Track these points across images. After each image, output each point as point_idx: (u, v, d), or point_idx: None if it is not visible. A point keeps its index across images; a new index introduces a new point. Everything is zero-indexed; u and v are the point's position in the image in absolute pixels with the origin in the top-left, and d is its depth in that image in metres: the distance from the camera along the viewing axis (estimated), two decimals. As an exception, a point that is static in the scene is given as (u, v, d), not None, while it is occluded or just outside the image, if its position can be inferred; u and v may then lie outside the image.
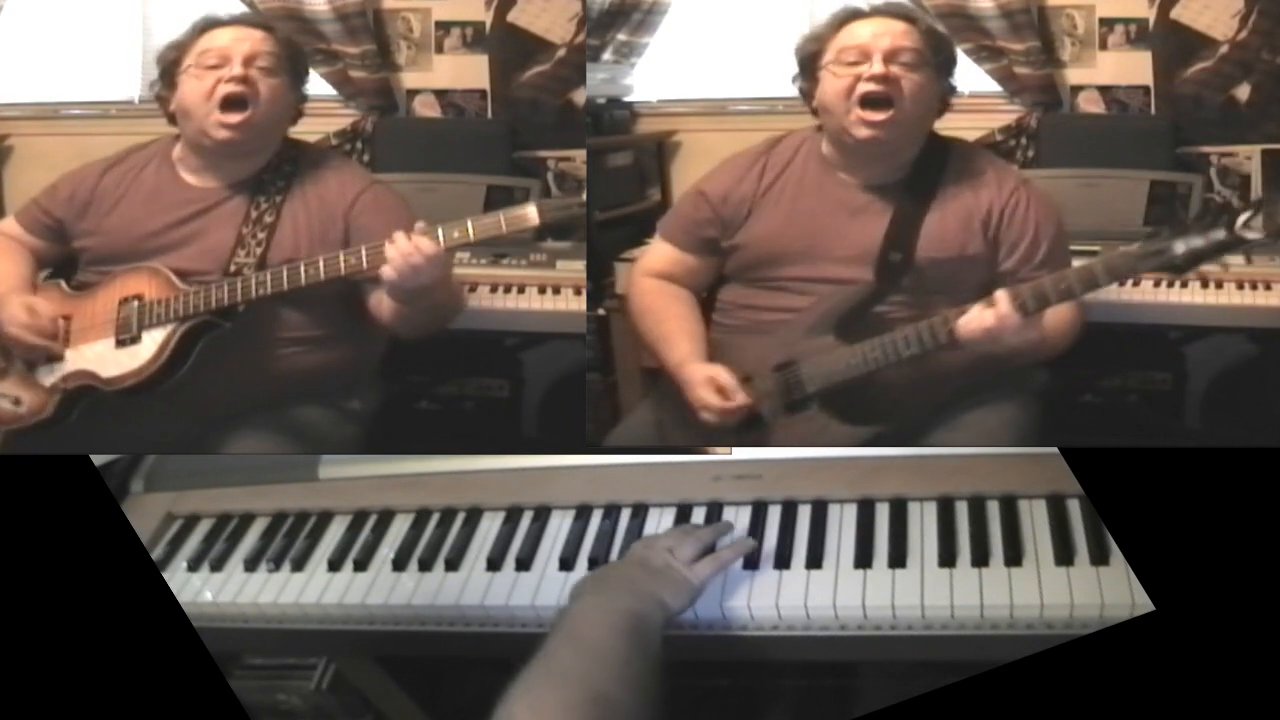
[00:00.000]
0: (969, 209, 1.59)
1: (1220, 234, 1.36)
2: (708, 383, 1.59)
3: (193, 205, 1.64)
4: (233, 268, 1.58)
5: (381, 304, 1.60)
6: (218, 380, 1.59)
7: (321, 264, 1.53)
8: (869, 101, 1.54)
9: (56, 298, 1.65)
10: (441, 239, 1.47)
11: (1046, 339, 1.52)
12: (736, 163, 1.69)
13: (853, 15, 1.59)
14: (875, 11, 1.59)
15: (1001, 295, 1.44)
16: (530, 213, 1.50)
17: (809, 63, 1.61)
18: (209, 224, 1.62)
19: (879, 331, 1.54)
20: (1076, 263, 1.63)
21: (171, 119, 1.66)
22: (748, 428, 1.59)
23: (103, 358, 1.58)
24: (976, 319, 1.44)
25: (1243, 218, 1.35)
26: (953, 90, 1.62)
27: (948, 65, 1.60)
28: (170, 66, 1.63)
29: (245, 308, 1.56)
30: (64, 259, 1.72)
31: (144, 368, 1.56)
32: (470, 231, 1.48)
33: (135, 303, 1.59)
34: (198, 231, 1.62)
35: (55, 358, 1.61)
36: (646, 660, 1.10)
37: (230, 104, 1.58)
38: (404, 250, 1.46)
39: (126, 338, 1.58)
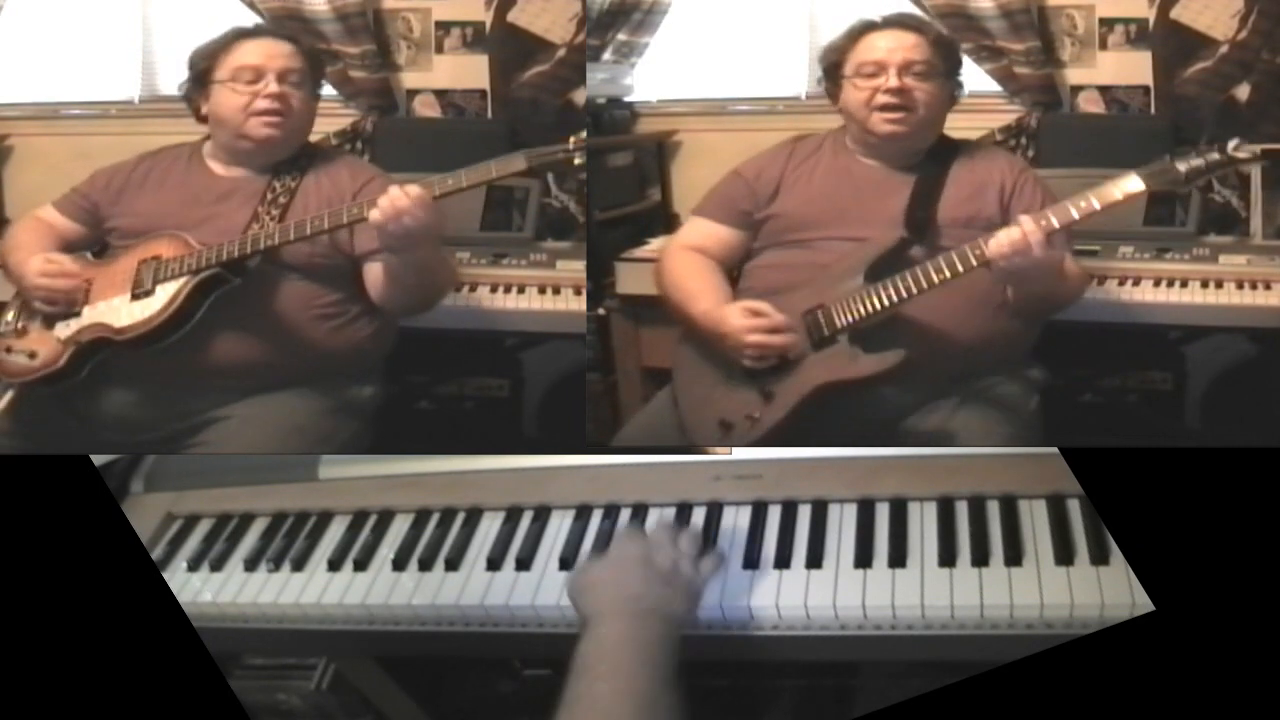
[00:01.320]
0: (982, 180, 1.71)
1: (1214, 155, 1.49)
2: (744, 311, 1.63)
3: (215, 190, 1.75)
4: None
5: (370, 273, 1.68)
6: (229, 341, 1.66)
7: (326, 216, 1.61)
8: (886, 108, 1.69)
9: (79, 262, 1.73)
10: (435, 188, 1.54)
11: (1067, 274, 1.63)
12: (767, 150, 1.83)
13: (868, 28, 1.74)
14: (888, 23, 1.74)
15: (1025, 215, 1.52)
16: (518, 159, 1.57)
17: (832, 71, 1.76)
18: (229, 206, 1.72)
19: None
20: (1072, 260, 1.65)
21: (201, 118, 1.76)
22: (778, 371, 1.62)
23: (117, 310, 1.66)
24: (1005, 234, 1.51)
25: (1233, 141, 1.49)
26: (960, 87, 1.76)
27: (955, 68, 1.75)
28: (203, 74, 1.73)
29: (255, 266, 1.65)
30: (94, 244, 1.80)
31: (154, 317, 1.63)
32: (463, 179, 1.56)
33: (153, 262, 1.67)
34: (218, 213, 1.72)
35: (73, 313, 1.68)
36: (672, 690, 1.10)
37: (267, 114, 1.70)
38: (393, 195, 1.52)
39: (141, 291, 1.66)
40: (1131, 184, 1.51)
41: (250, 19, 2.30)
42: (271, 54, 1.72)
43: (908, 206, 1.68)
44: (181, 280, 1.63)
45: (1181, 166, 1.50)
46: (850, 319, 1.61)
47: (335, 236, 1.67)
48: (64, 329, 1.68)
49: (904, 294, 1.58)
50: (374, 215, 1.53)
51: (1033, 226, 1.50)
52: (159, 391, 1.68)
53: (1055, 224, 1.50)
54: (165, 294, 1.64)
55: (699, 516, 1.47)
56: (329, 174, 1.75)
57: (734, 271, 1.78)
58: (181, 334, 1.63)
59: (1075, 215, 1.51)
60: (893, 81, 1.68)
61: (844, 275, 1.63)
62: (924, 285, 1.57)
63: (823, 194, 1.74)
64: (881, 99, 1.69)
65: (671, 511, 1.49)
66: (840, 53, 1.74)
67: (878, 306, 1.59)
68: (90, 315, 1.68)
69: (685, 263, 1.77)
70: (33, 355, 1.68)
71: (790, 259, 1.71)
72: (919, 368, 1.59)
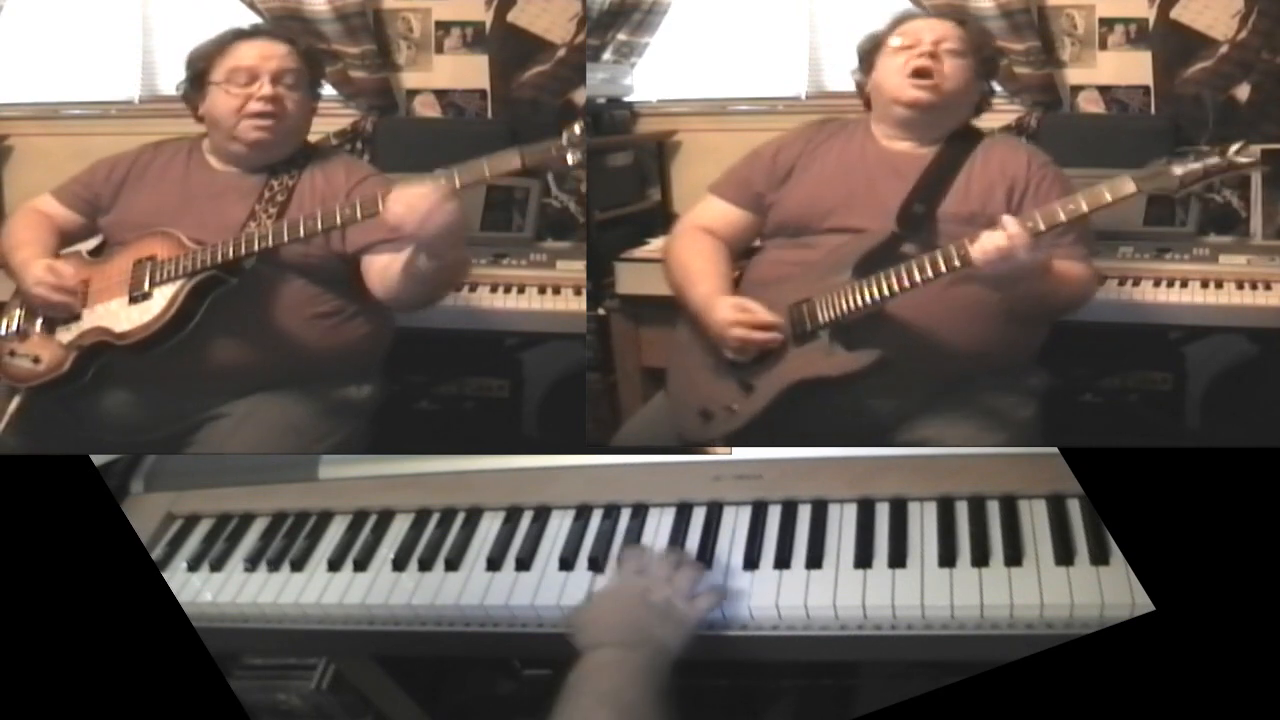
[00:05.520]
0: (995, 174, 1.68)
1: (1214, 159, 1.45)
2: (735, 307, 1.64)
3: (215, 186, 1.74)
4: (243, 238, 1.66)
5: (372, 267, 1.66)
6: (228, 343, 1.65)
7: (319, 216, 1.60)
8: (918, 73, 1.67)
9: (77, 263, 1.73)
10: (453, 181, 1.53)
11: (1069, 276, 1.60)
12: (793, 129, 1.82)
13: (909, 16, 1.77)
14: (935, 11, 1.81)
15: (1008, 217, 1.49)
16: (512, 156, 1.55)
17: (867, 57, 1.74)
18: (225, 203, 1.72)
19: None
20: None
21: (199, 118, 1.76)
22: (759, 363, 1.62)
23: (116, 314, 1.66)
24: (989, 238, 1.49)
25: (1235, 145, 1.44)
26: (991, 92, 1.76)
27: (989, 65, 1.74)
28: (200, 75, 1.73)
29: (252, 267, 1.65)
30: (91, 235, 1.80)
31: (153, 321, 1.63)
32: (456, 178, 1.54)
33: (148, 263, 1.67)
34: (215, 209, 1.71)
35: (74, 316, 1.68)
36: (657, 708, 1.13)
37: (260, 116, 1.70)
38: (414, 194, 1.51)
39: (139, 294, 1.65)
40: (1123, 186, 1.48)
41: (250, 19, 2.31)
42: (267, 55, 1.71)
43: (905, 199, 1.65)
44: (178, 283, 1.63)
45: (1178, 170, 1.46)
46: (833, 315, 1.59)
47: (328, 235, 1.66)
48: (65, 333, 1.68)
49: (885, 292, 1.56)
50: (395, 209, 1.51)
51: (1017, 229, 1.47)
52: (160, 393, 1.68)
53: (1041, 226, 1.48)
54: (163, 297, 1.64)
55: (699, 516, 1.47)
56: (325, 173, 1.74)
57: (739, 253, 1.78)
58: (181, 336, 1.63)
59: (1062, 217, 1.49)
60: (926, 47, 1.67)
61: (833, 269, 1.62)
62: (905, 284, 1.55)
63: (833, 178, 1.72)
64: (912, 64, 1.67)
65: (672, 512, 1.49)
66: (879, 38, 1.73)
67: (859, 303, 1.58)
68: (90, 319, 1.67)
69: (692, 243, 1.77)
70: (37, 360, 1.68)
71: (789, 255, 1.70)
72: (905, 369, 1.58)
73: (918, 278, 1.54)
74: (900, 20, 1.75)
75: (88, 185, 1.80)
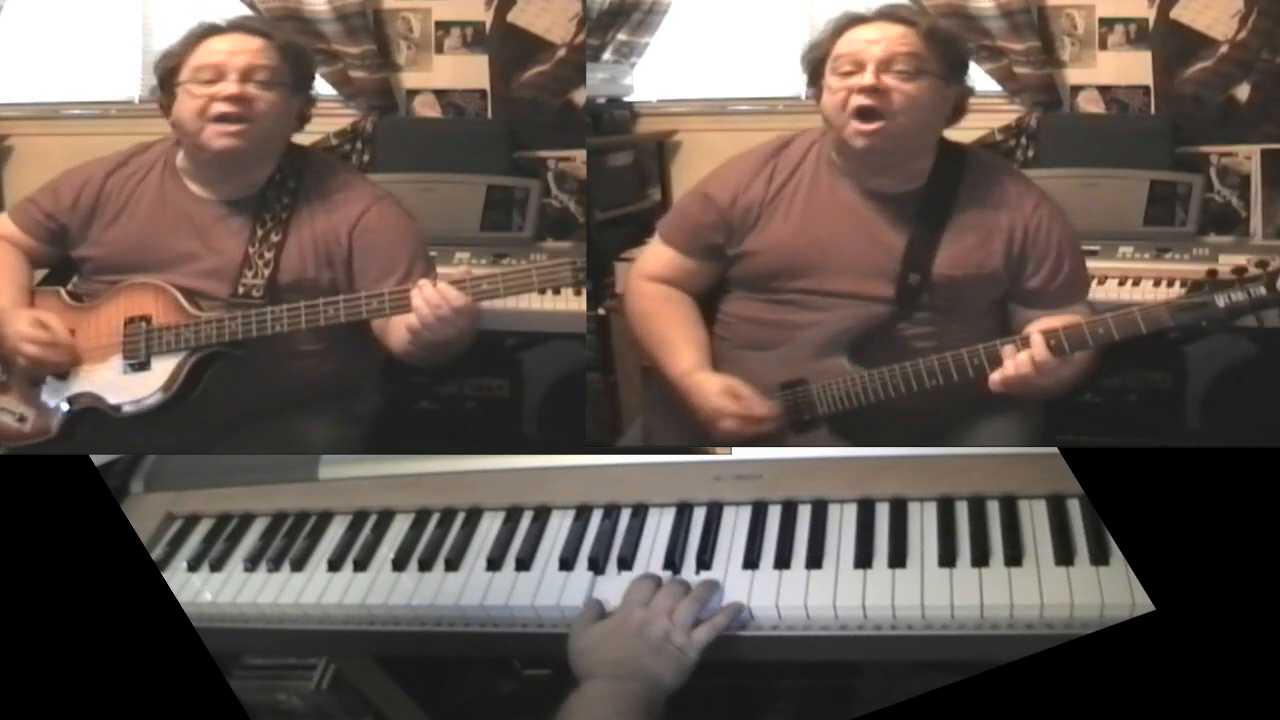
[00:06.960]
0: (988, 227, 1.54)
1: (1261, 290, 1.36)
2: (726, 393, 1.54)
3: (198, 218, 1.61)
4: (240, 289, 1.57)
5: (387, 330, 1.57)
6: (224, 395, 1.59)
7: (342, 306, 1.51)
8: (861, 113, 1.49)
9: (58, 308, 1.62)
10: (469, 288, 1.44)
11: (1077, 376, 1.49)
12: (744, 164, 1.63)
13: (852, 21, 1.54)
14: (876, 15, 1.53)
15: (1037, 339, 1.41)
16: (565, 270, 1.48)
17: (815, 71, 1.56)
18: (215, 240, 1.60)
19: (893, 354, 1.51)
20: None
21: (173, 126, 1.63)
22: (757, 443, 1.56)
23: (112, 383, 1.57)
24: (1012, 366, 1.42)
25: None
26: (969, 92, 1.56)
27: (956, 69, 1.54)
28: (167, 76, 1.59)
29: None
30: (60, 260, 1.70)
31: (152, 394, 1.56)
32: (500, 286, 1.46)
33: (143, 325, 1.57)
34: (204, 248, 1.60)
35: (63, 375, 1.59)
36: None
37: (225, 120, 1.54)
38: (432, 302, 1.43)
39: (135, 363, 1.57)
40: (1159, 316, 1.39)
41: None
42: (236, 50, 1.55)
43: (901, 267, 1.52)
44: (179, 356, 1.55)
45: (1221, 302, 1.36)
46: (832, 407, 1.53)
47: (336, 282, 1.59)
48: (51, 394, 1.59)
49: (890, 393, 1.50)
50: (411, 323, 1.44)
51: (1043, 354, 1.40)
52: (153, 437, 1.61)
53: (1066, 348, 1.40)
54: (163, 370, 1.55)
55: (699, 516, 1.47)
56: (322, 204, 1.61)
57: (703, 297, 1.66)
58: (180, 408, 1.56)
59: (1090, 343, 1.41)
60: (867, 79, 1.46)
61: (825, 348, 1.54)
62: (913, 387, 1.49)
63: (806, 232, 1.56)
64: (855, 101, 1.48)
65: (672, 512, 1.49)
66: (822, 49, 1.53)
67: (861, 400, 1.51)
68: (80, 382, 1.58)
69: (657, 303, 1.64)
70: (22, 419, 1.59)
71: (768, 314, 1.59)
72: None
73: (926, 383, 1.48)
74: (844, 26, 1.53)
75: (51, 214, 1.66)
